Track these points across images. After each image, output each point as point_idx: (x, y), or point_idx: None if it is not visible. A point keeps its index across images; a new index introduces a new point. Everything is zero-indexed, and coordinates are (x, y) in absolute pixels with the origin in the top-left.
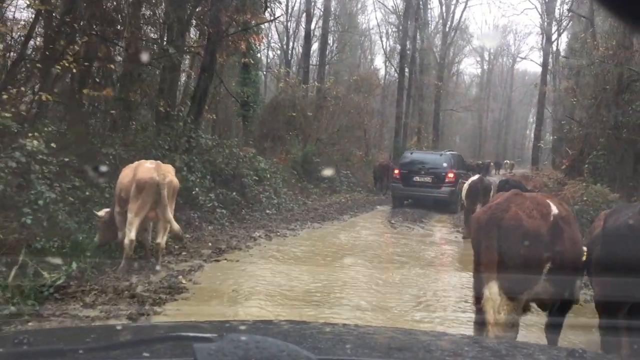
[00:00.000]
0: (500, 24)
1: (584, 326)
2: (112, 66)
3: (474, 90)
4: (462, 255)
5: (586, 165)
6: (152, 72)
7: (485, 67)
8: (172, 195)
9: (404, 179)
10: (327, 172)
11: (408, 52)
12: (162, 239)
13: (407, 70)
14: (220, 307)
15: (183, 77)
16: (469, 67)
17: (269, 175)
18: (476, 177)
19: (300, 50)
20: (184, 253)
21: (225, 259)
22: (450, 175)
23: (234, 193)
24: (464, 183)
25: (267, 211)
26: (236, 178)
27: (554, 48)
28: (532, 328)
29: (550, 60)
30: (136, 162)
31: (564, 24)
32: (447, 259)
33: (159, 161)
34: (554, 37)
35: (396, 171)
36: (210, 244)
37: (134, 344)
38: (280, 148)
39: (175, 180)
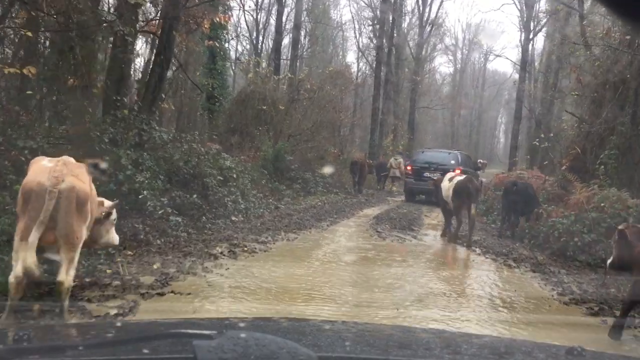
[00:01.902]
0: (472, 22)
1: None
2: (31, 34)
3: (445, 89)
4: (498, 291)
5: (602, 167)
6: (90, 48)
7: (458, 65)
8: (78, 210)
9: (415, 174)
10: (327, 169)
11: (384, 44)
12: (65, 275)
13: (383, 64)
14: None
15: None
16: (441, 66)
17: (235, 175)
18: (463, 176)
19: (271, 44)
20: (115, 283)
21: (172, 292)
22: (458, 171)
23: (195, 196)
24: (441, 180)
25: (233, 218)
26: (197, 178)
27: (530, 45)
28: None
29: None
30: (35, 159)
31: (543, 21)
32: (482, 305)
33: (67, 157)
34: (531, 33)
35: (409, 167)
36: (155, 266)
37: (134, 340)
38: (249, 145)
39: (81, 187)
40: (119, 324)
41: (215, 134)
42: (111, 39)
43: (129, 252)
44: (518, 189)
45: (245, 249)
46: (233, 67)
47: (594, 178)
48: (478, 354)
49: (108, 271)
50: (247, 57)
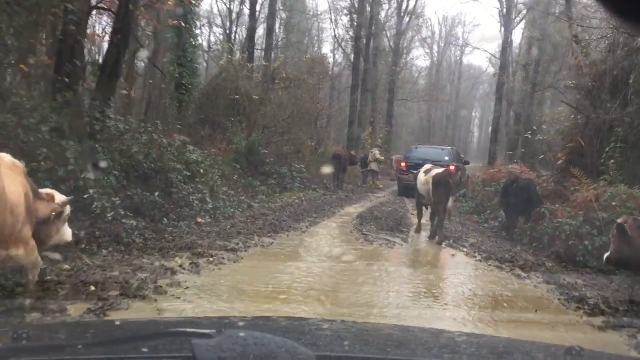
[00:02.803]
0: (449, 15)
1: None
2: None
3: (421, 82)
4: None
5: (610, 161)
6: (18, 14)
7: (435, 58)
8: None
9: (410, 170)
10: (326, 169)
11: (362, 34)
12: None
13: (363, 53)
14: None
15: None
16: (417, 59)
17: (202, 170)
18: (440, 169)
19: (245, 34)
20: (34, 314)
21: None
22: (452, 167)
23: (156, 194)
24: (416, 174)
25: (199, 219)
26: (159, 174)
27: (510, 37)
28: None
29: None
30: None
31: (524, 11)
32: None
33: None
34: (512, 24)
35: (403, 163)
36: (93, 287)
37: (133, 339)
38: (220, 137)
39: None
40: (117, 323)
41: (180, 124)
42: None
43: (65, 267)
44: (519, 185)
45: (211, 259)
46: (206, 58)
47: (594, 173)
48: (477, 354)
49: (27, 301)
50: (220, 49)
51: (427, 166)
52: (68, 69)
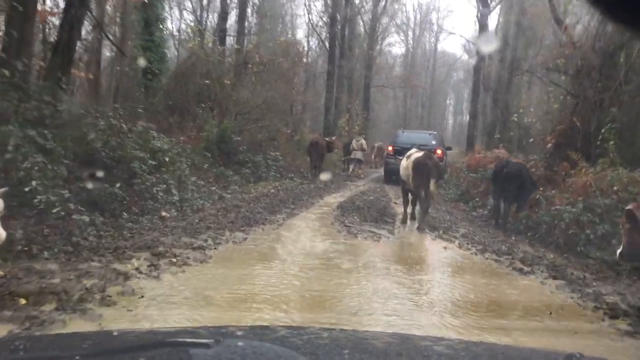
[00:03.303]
0: (424, 1)
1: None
2: None
3: (397, 69)
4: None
5: (610, 143)
6: None
7: (410, 45)
8: None
9: (397, 154)
10: (324, 176)
11: (338, 17)
12: None
13: (338, 37)
14: None
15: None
16: (393, 46)
17: (169, 160)
18: (420, 153)
19: (216, 20)
20: None
21: None
22: (439, 151)
23: (117, 186)
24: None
25: (164, 213)
26: (121, 164)
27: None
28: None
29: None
30: None
31: None
32: None
33: None
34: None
35: (390, 148)
36: (24, 301)
37: (131, 350)
38: (190, 124)
39: None
40: (115, 333)
41: (147, 111)
42: None
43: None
44: (510, 171)
45: (174, 259)
46: (177, 46)
47: (591, 156)
48: None
49: None
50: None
51: (411, 151)
52: (17, 50)
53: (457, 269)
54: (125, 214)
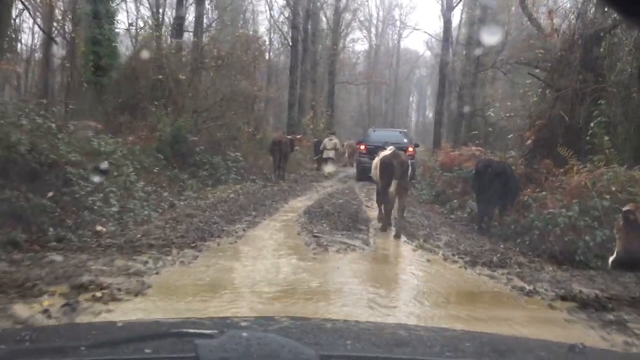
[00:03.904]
0: None
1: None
2: None
3: (360, 67)
4: None
5: (606, 139)
6: None
7: (373, 42)
8: None
9: (369, 153)
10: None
11: (300, 10)
12: None
13: (301, 31)
14: None
15: None
16: (356, 42)
17: (111, 163)
18: (388, 150)
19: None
20: None
21: None
22: (410, 149)
23: (49, 195)
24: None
25: (99, 227)
26: (53, 169)
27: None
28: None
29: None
30: None
31: None
32: None
33: None
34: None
35: (362, 146)
36: None
37: (136, 340)
38: (142, 123)
39: None
40: (120, 324)
41: (91, 110)
42: None
43: None
44: (494, 170)
45: (100, 293)
46: (134, 42)
47: (580, 153)
48: (479, 352)
49: None
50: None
51: (383, 151)
52: None
53: (449, 291)
54: (51, 229)
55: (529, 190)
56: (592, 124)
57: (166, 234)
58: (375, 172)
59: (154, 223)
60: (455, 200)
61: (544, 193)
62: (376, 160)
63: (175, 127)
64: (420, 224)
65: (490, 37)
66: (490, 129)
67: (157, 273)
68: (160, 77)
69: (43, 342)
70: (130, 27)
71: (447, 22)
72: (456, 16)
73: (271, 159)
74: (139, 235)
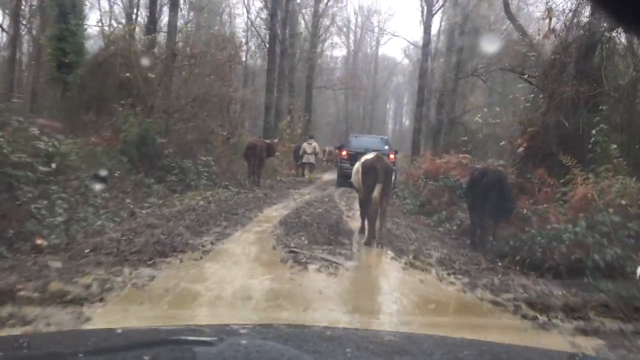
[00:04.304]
0: (365, 4)
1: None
2: None
3: (338, 73)
4: None
5: (613, 147)
6: None
7: (351, 48)
8: None
9: (351, 159)
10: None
11: (278, 11)
12: None
13: (278, 33)
14: None
15: None
16: (334, 48)
17: (54, 166)
18: (370, 155)
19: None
20: None
21: None
22: (392, 156)
23: None
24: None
25: (39, 241)
26: None
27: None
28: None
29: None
30: None
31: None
32: None
33: None
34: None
35: (344, 153)
36: None
37: (134, 347)
38: (108, 124)
39: None
40: (119, 331)
41: (54, 109)
42: None
43: None
44: (490, 180)
45: (20, 330)
46: (105, 40)
47: (582, 162)
48: None
49: None
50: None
51: (365, 156)
52: None
53: (450, 319)
54: None
55: (523, 201)
56: (593, 132)
57: (120, 249)
58: (356, 177)
59: (108, 235)
60: (443, 212)
61: (545, 206)
62: (357, 165)
63: (142, 128)
64: (408, 237)
65: (469, 44)
66: (466, 138)
67: (101, 300)
68: (128, 74)
69: (41, 349)
70: (99, 23)
71: (427, 28)
72: (435, 23)
73: (246, 164)
74: (87, 250)
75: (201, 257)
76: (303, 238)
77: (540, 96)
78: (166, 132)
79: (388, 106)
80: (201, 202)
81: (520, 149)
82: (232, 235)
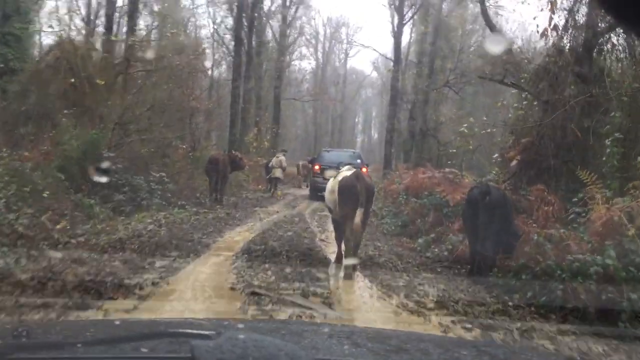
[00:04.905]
0: (333, 16)
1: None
2: None
3: (306, 85)
4: None
5: (637, 161)
6: None
7: (320, 60)
8: None
9: (323, 173)
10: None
11: (244, 17)
12: None
13: (244, 41)
14: None
15: None
16: (302, 61)
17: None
18: (347, 170)
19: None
20: None
21: None
22: (364, 169)
23: None
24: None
25: None
26: None
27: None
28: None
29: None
30: None
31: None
32: None
33: None
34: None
35: (317, 167)
36: None
37: (132, 339)
38: (49, 136)
39: None
40: (117, 322)
41: None
42: None
43: None
44: (493, 199)
45: None
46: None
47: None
48: None
49: None
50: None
51: (342, 169)
52: None
53: None
54: None
55: (522, 222)
56: (607, 141)
57: (17, 302)
58: (331, 197)
59: (15, 278)
60: (432, 235)
61: (562, 231)
62: (332, 183)
63: (88, 140)
64: (394, 267)
65: (441, 54)
66: (443, 149)
67: None
68: (74, 81)
69: (40, 339)
70: (49, 27)
71: (398, 37)
72: (405, 34)
73: (207, 180)
74: None
75: (135, 307)
76: (269, 272)
77: (535, 103)
78: (117, 145)
79: (357, 120)
80: (150, 226)
81: (514, 163)
82: (181, 271)
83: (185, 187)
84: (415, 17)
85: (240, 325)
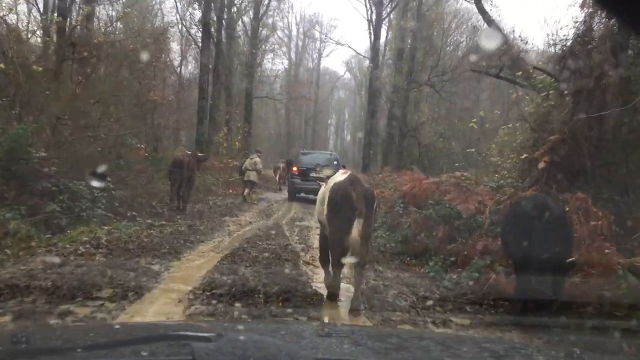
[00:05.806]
0: (307, 14)
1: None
2: None
3: (278, 86)
4: None
5: None
6: None
7: (293, 57)
8: None
9: (302, 174)
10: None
11: (212, 7)
12: None
13: (213, 33)
14: None
15: None
16: (274, 59)
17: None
18: (343, 176)
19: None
20: None
21: None
22: (342, 171)
23: None
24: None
25: None
26: None
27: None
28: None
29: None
30: None
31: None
32: None
33: None
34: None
35: (295, 168)
36: None
37: (132, 342)
38: None
39: None
40: (117, 326)
41: None
42: None
43: None
44: (554, 217)
45: None
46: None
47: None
48: (477, 357)
49: None
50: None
51: (335, 175)
52: None
53: None
54: None
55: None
56: None
57: None
58: (321, 208)
59: None
60: (451, 257)
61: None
62: (323, 191)
63: (14, 137)
64: (411, 307)
65: (422, 52)
66: (424, 150)
67: None
68: (3, 66)
69: (39, 344)
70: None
71: (377, 33)
72: (383, 33)
73: (169, 184)
74: None
75: None
76: (242, 312)
77: (566, 92)
78: (56, 144)
79: (330, 121)
80: (86, 247)
81: (541, 165)
82: (117, 318)
83: (141, 194)
84: (394, 13)
85: (240, 327)
